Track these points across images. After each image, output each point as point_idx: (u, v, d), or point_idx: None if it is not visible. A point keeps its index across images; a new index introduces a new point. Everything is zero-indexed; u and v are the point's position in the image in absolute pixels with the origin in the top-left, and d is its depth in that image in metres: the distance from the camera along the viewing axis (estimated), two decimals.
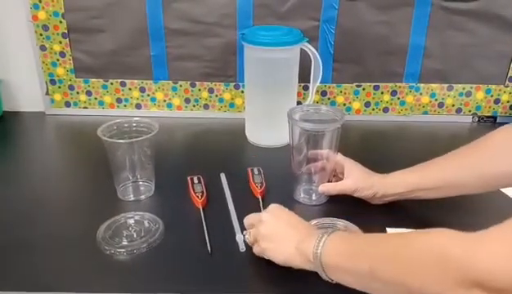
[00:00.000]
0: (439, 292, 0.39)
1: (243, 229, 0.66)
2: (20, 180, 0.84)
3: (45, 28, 1.02)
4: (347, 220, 0.69)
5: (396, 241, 0.47)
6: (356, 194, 0.72)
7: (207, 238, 0.66)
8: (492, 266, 0.36)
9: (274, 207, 0.62)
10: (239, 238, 0.65)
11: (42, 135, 1.07)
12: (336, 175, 0.77)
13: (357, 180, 0.71)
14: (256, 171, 0.81)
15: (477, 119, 1.10)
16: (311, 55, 0.92)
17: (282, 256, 0.57)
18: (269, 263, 0.62)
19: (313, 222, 0.68)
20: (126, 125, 0.76)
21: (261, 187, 0.77)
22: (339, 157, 0.74)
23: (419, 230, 0.45)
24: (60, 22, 1.01)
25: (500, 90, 1.07)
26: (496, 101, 1.08)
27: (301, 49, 0.92)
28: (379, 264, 0.45)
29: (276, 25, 0.97)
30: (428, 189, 0.67)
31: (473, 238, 0.39)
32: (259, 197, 0.76)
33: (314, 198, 0.76)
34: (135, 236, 0.66)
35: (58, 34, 1.03)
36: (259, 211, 0.72)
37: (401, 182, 0.69)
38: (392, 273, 0.44)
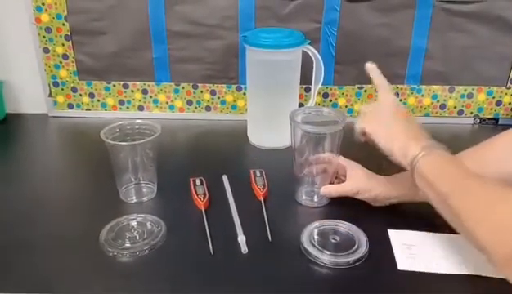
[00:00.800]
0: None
1: (245, 230, 0.67)
2: (22, 181, 0.85)
3: (48, 30, 1.02)
4: (349, 222, 0.69)
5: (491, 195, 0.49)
6: (357, 196, 0.72)
7: (209, 239, 0.66)
8: None
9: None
10: (241, 239, 0.65)
11: (44, 137, 1.07)
12: (338, 178, 0.77)
13: (359, 182, 0.72)
14: (258, 173, 0.81)
15: (478, 121, 1.10)
16: (312, 57, 0.93)
17: (387, 145, 0.62)
18: (271, 265, 0.62)
19: (315, 224, 0.68)
20: (128, 127, 0.76)
21: (263, 189, 0.77)
22: (341, 159, 0.74)
23: None
24: (63, 24, 1.02)
25: (501, 92, 1.07)
26: (498, 103, 1.08)
27: (303, 51, 0.92)
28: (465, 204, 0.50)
29: (277, 27, 0.97)
30: None
31: None
32: (261, 199, 0.76)
33: (316, 199, 0.77)
34: (137, 238, 0.66)
35: (61, 37, 1.03)
36: (261, 213, 0.73)
37: (403, 184, 0.69)
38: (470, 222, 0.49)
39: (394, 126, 0.63)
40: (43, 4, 1.00)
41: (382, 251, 0.64)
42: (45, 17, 1.01)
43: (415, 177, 0.58)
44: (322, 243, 0.64)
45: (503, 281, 0.46)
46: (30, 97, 1.11)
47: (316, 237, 0.66)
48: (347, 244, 0.64)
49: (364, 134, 0.66)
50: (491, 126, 1.10)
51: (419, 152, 0.57)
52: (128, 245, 0.65)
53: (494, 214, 0.46)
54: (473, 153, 0.65)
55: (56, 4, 1.00)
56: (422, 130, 0.62)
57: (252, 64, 0.93)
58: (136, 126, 0.76)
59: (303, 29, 0.95)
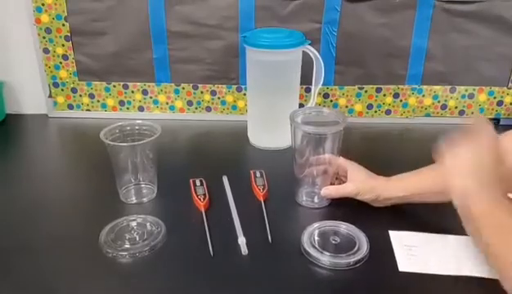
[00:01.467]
0: None
1: (245, 232, 0.66)
2: (22, 182, 0.85)
3: (48, 31, 1.02)
4: (349, 223, 0.68)
5: None
6: (358, 197, 0.72)
7: (209, 240, 0.66)
8: None
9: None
10: (241, 241, 0.65)
11: (45, 137, 1.07)
12: (339, 178, 0.76)
13: (360, 183, 0.71)
14: (258, 174, 0.81)
15: None
16: (313, 57, 0.92)
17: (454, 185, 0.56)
18: (272, 267, 0.62)
19: (315, 225, 0.68)
20: (128, 128, 0.76)
21: (263, 190, 0.77)
22: (342, 160, 0.74)
23: None
24: (63, 25, 1.02)
25: (503, 92, 1.06)
26: (499, 103, 1.08)
27: (303, 51, 0.92)
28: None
29: (277, 28, 0.97)
30: (433, 193, 0.66)
31: None
32: (261, 199, 0.75)
33: (316, 200, 0.76)
34: (137, 239, 0.66)
35: (61, 37, 1.03)
36: (262, 214, 0.72)
37: (403, 185, 0.69)
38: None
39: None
40: (43, 5, 1.00)
41: (382, 253, 0.64)
42: (45, 18, 1.01)
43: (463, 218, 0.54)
44: (323, 244, 0.64)
45: None
46: (30, 98, 1.11)
47: (316, 238, 0.66)
48: (347, 245, 0.64)
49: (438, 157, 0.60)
50: (493, 126, 1.09)
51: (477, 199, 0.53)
52: (127, 246, 0.65)
53: None
54: None
55: (55, 5, 1.00)
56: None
57: (252, 65, 0.93)
58: (136, 127, 0.76)
59: (303, 30, 0.95)
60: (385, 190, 0.70)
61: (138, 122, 0.77)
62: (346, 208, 0.73)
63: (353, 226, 0.67)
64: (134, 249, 0.64)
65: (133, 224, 0.70)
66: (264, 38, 0.88)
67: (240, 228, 0.68)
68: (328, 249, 0.63)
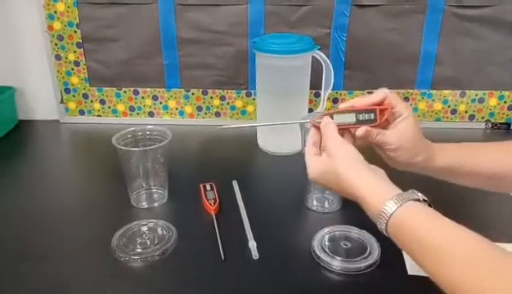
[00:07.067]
0: None
1: (255, 236, 0.67)
2: (34, 187, 0.85)
3: (60, 38, 1.04)
4: (360, 227, 0.68)
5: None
6: (392, 154, 0.55)
7: (220, 245, 0.66)
8: None
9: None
10: (251, 245, 0.65)
11: (56, 143, 1.08)
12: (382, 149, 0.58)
13: (408, 136, 0.55)
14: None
15: (490, 126, 1.09)
16: (322, 62, 0.93)
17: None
18: (282, 271, 0.62)
19: (326, 230, 0.68)
20: (140, 133, 0.77)
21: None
22: (390, 96, 0.55)
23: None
24: (75, 32, 1.03)
25: None
26: (510, 108, 1.07)
27: (312, 56, 0.92)
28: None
29: (287, 33, 0.97)
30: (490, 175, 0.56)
31: None
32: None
33: (327, 205, 0.76)
34: (148, 243, 0.67)
35: (73, 44, 1.05)
36: (272, 218, 0.72)
37: (461, 152, 0.58)
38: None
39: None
40: (56, 12, 1.01)
41: (392, 257, 0.64)
42: (57, 25, 1.03)
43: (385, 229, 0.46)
44: (333, 249, 0.64)
45: None
46: (42, 104, 1.13)
47: (327, 243, 0.66)
48: (358, 250, 0.64)
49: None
50: (504, 131, 1.09)
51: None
52: (139, 250, 0.65)
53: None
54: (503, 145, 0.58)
55: (67, 12, 1.01)
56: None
57: (261, 70, 0.93)
58: (148, 133, 0.77)
59: (312, 35, 0.96)
60: (431, 158, 0.56)
61: (150, 127, 0.77)
62: (356, 213, 0.72)
63: (364, 231, 0.67)
64: (146, 253, 0.64)
65: (144, 228, 0.70)
66: (274, 44, 0.88)
67: (250, 232, 0.68)
68: (339, 254, 0.63)
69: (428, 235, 0.42)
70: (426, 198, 0.46)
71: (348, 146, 0.52)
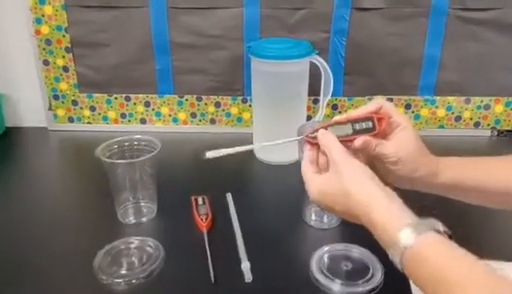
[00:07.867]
0: None
1: (249, 256, 0.62)
2: (21, 196, 0.82)
3: (48, 42, 1.00)
4: (361, 245, 0.64)
5: None
6: (392, 167, 0.51)
7: (210, 266, 0.61)
8: None
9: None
10: (244, 266, 0.61)
11: (44, 151, 1.04)
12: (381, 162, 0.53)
13: (409, 147, 0.50)
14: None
15: (496, 133, 1.05)
16: (321, 68, 0.89)
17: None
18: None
19: (325, 249, 0.64)
20: (127, 143, 0.72)
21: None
22: (386, 104, 0.52)
23: None
24: (64, 36, 0.99)
25: None
26: None
27: (311, 62, 0.88)
28: None
29: (284, 37, 0.93)
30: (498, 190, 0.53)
31: None
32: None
33: (326, 220, 0.72)
34: (136, 263, 0.62)
35: (61, 49, 1.00)
36: (268, 235, 0.68)
37: (463, 164, 0.54)
38: None
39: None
40: (43, 16, 0.97)
41: (397, 279, 0.59)
42: (45, 29, 0.98)
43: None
44: (333, 271, 0.60)
45: None
46: (30, 111, 1.09)
47: (326, 263, 0.61)
48: (360, 272, 0.60)
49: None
50: (510, 138, 1.05)
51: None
52: (123, 272, 0.61)
53: None
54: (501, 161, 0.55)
55: (56, 16, 0.97)
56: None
57: (257, 76, 0.89)
58: (135, 142, 0.73)
59: (310, 39, 0.92)
60: (435, 172, 0.52)
61: (137, 137, 0.73)
62: (358, 229, 0.68)
63: (366, 250, 0.62)
64: (130, 276, 0.60)
65: (131, 246, 0.66)
66: (270, 49, 0.85)
67: (244, 252, 0.64)
68: (339, 276, 0.59)
69: (444, 273, 0.38)
70: (447, 230, 0.41)
71: (356, 160, 0.48)
